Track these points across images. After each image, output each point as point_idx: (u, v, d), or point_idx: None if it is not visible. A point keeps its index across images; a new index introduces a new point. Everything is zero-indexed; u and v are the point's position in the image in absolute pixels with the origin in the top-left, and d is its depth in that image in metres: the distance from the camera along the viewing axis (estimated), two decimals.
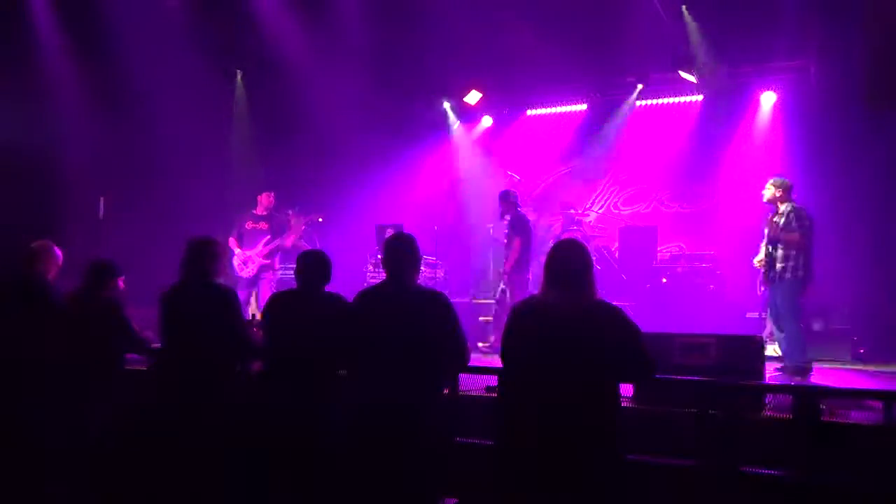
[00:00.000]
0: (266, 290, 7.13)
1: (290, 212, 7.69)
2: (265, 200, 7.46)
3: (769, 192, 5.76)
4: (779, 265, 5.59)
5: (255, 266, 7.23)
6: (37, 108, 7.51)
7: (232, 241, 7.27)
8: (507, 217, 7.13)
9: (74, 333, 4.17)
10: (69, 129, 7.57)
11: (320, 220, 8.13)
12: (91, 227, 7.56)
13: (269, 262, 7.29)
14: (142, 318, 4.60)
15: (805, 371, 5.37)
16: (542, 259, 3.03)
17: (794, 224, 5.53)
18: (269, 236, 7.29)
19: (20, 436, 4.04)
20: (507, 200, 7.14)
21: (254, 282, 7.27)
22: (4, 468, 4.00)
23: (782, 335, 5.66)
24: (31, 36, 7.63)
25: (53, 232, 5.48)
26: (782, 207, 5.67)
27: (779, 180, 5.80)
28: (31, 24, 7.63)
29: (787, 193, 5.73)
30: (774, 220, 5.69)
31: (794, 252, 5.54)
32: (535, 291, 3.09)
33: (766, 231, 5.78)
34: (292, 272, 3.70)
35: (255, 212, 7.46)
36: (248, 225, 7.38)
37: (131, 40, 7.79)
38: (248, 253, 7.24)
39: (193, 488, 3.66)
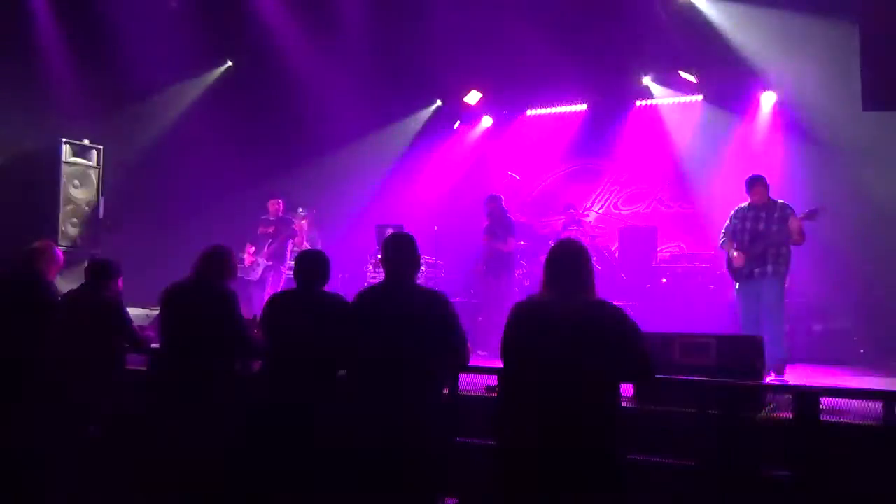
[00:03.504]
0: (272, 290, 7.25)
1: (301, 210, 7.96)
2: (272, 207, 7.80)
3: (765, 190, 5.74)
4: (771, 259, 5.58)
5: (259, 269, 7.53)
6: (37, 108, 7.51)
7: (248, 246, 7.64)
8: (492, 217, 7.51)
9: (74, 333, 4.17)
10: (70, 128, 7.57)
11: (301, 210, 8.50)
12: (91, 227, 7.56)
13: (272, 263, 7.55)
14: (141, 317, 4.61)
15: (781, 368, 5.32)
16: (542, 258, 3.03)
17: (790, 220, 5.55)
18: (272, 239, 7.62)
19: (20, 436, 4.04)
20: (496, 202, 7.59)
21: (261, 283, 7.48)
22: (4, 468, 4.00)
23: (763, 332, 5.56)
24: (32, 35, 7.63)
25: (53, 232, 5.49)
26: (769, 204, 5.70)
27: (763, 178, 5.80)
28: (31, 23, 7.62)
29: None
30: (761, 215, 5.69)
31: (784, 249, 5.60)
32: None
33: (748, 227, 5.72)
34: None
35: (266, 217, 7.82)
36: (260, 230, 7.75)
37: (132, 39, 7.79)
38: (255, 258, 7.54)
39: (192, 488, 3.66)
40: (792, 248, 5.67)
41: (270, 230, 7.67)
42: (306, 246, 7.73)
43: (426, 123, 10.54)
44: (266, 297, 7.09)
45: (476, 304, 7.91)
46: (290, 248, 7.67)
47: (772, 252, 5.60)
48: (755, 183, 5.79)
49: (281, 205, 7.83)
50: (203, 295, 3.83)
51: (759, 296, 5.64)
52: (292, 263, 7.71)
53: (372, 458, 3.07)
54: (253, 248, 7.61)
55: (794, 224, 5.56)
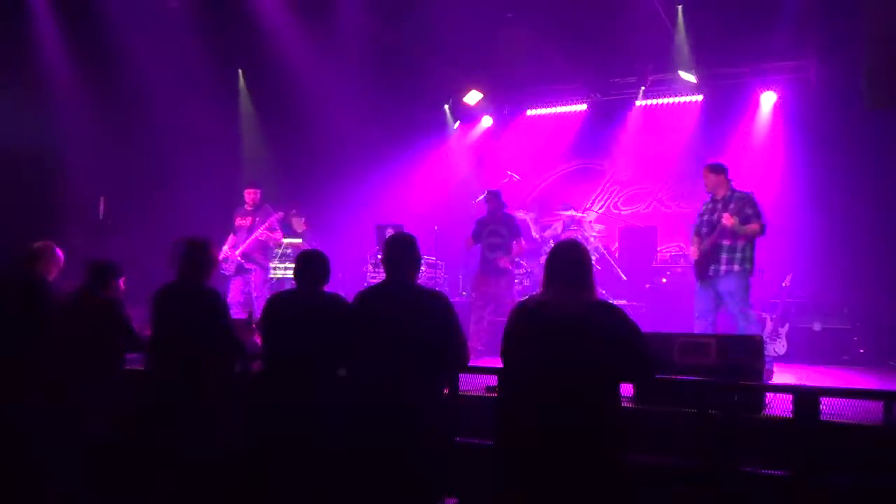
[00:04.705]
0: (256, 290, 7.23)
1: (293, 211, 7.84)
2: (249, 196, 7.56)
3: (715, 179, 5.45)
4: (725, 256, 5.29)
5: (232, 264, 7.28)
6: (38, 108, 7.52)
7: (230, 238, 7.44)
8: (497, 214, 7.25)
9: (74, 333, 4.17)
10: (70, 128, 7.58)
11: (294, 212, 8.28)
12: (91, 227, 7.57)
13: (242, 261, 7.31)
14: (142, 318, 4.61)
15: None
16: (543, 260, 3.03)
17: (747, 211, 5.25)
18: (247, 234, 7.39)
19: (20, 436, 4.04)
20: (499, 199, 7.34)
21: (242, 279, 7.33)
22: (4, 468, 4.00)
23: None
24: (32, 36, 7.64)
25: (53, 232, 5.48)
26: (727, 195, 5.41)
27: (718, 166, 5.50)
28: (31, 23, 7.64)
29: (727, 179, 5.44)
30: (718, 206, 5.41)
31: (741, 243, 5.28)
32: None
33: (705, 219, 5.50)
34: (292, 272, 3.71)
35: (243, 207, 7.59)
36: (237, 221, 7.52)
37: (132, 40, 7.82)
38: (228, 251, 7.29)
39: (191, 488, 3.66)
40: (759, 242, 5.35)
41: (247, 222, 7.42)
42: (279, 240, 7.61)
43: (426, 123, 10.53)
44: (247, 294, 7.13)
45: (472, 304, 7.88)
46: (270, 242, 7.48)
47: (725, 247, 5.29)
48: (704, 172, 5.54)
49: (258, 194, 7.56)
50: (189, 298, 3.84)
51: (718, 296, 5.37)
52: (277, 262, 7.73)
53: (372, 458, 3.08)
54: (232, 242, 7.41)
55: (716, 220, 5.22)
